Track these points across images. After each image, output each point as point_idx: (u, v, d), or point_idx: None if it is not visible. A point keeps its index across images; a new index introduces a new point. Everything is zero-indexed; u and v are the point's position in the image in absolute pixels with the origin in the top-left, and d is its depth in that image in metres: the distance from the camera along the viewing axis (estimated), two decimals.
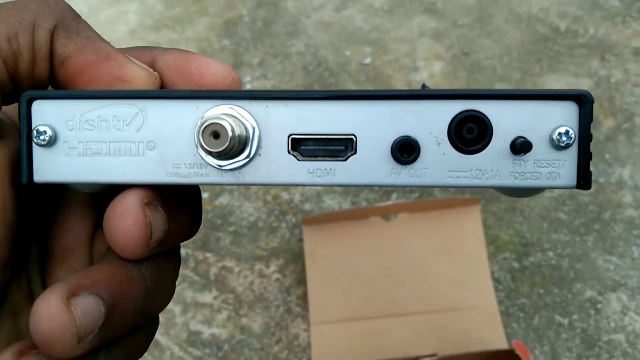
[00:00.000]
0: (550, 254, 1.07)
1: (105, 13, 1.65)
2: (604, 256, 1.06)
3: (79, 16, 0.26)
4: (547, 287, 1.03)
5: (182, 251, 1.10)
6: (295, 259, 1.08)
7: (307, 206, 1.15)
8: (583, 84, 1.31)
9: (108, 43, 0.26)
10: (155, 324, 0.28)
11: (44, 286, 0.28)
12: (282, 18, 1.55)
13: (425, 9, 1.52)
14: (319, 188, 1.16)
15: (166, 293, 0.27)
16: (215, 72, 0.26)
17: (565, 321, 0.99)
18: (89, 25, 0.26)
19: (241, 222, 1.14)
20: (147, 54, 0.27)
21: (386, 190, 1.16)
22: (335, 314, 0.98)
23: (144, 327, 0.27)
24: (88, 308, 0.22)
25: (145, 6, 1.65)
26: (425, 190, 1.15)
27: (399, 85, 1.36)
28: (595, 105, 1.34)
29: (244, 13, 1.58)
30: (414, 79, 1.37)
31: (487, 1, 1.52)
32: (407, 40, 1.45)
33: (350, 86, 1.37)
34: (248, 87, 1.39)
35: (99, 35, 0.26)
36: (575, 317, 1.00)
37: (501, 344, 0.93)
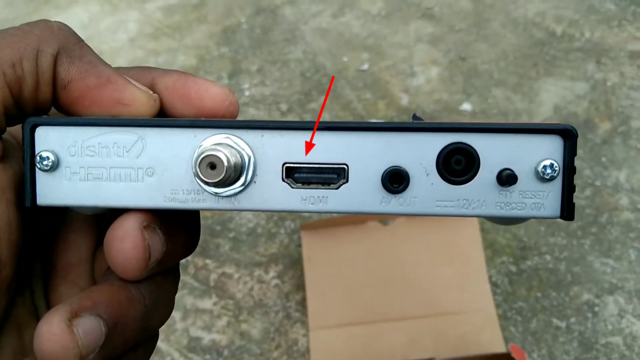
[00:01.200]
0: (548, 257, 1.07)
1: (106, 22, 1.66)
2: (601, 259, 1.06)
3: (82, 41, 0.26)
4: (545, 290, 1.04)
5: None
6: (294, 265, 1.09)
7: None
8: (579, 88, 1.32)
9: (109, 66, 0.26)
10: (154, 339, 0.29)
11: (47, 301, 0.29)
12: (280, 25, 1.57)
13: (422, 15, 1.53)
14: None
15: (165, 310, 0.28)
16: (214, 95, 0.27)
17: (563, 324, 1.00)
18: (91, 50, 0.26)
19: (240, 228, 1.15)
20: (146, 76, 0.28)
21: None
22: (333, 319, 0.98)
23: (143, 343, 0.27)
24: (89, 328, 0.23)
25: (145, 15, 1.66)
26: None
27: (396, 90, 1.37)
28: (592, 109, 1.36)
29: (243, 20, 1.60)
30: (411, 84, 1.38)
31: (483, 6, 1.53)
32: (404, 45, 1.46)
33: (348, 92, 1.38)
34: (247, 94, 1.41)
35: (101, 59, 0.26)
36: (572, 320, 1.00)
37: (499, 347, 0.94)
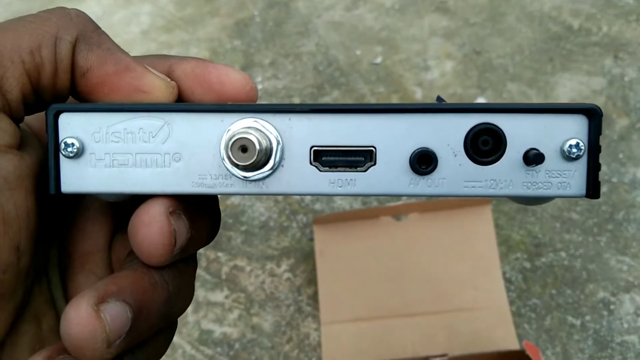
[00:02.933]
0: (563, 254, 1.06)
1: (119, 15, 1.66)
2: (617, 257, 1.05)
3: (99, 28, 0.26)
4: (560, 287, 1.02)
5: None
6: (306, 259, 1.09)
7: (317, 206, 1.16)
8: (596, 83, 1.30)
9: (127, 54, 0.26)
10: (174, 327, 0.29)
11: (65, 290, 0.29)
12: (293, 18, 1.56)
13: (437, 8, 1.51)
14: None
15: (186, 297, 0.28)
16: (234, 80, 0.27)
17: (578, 322, 0.99)
18: (109, 37, 0.26)
19: (252, 221, 1.15)
20: (164, 63, 0.28)
21: None
22: (345, 314, 0.98)
23: (164, 330, 0.27)
24: (116, 314, 0.23)
25: (158, 7, 1.66)
26: None
27: (410, 84, 1.36)
28: (609, 104, 1.34)
29: (255, 13, 1.59)
30: (425, 78, 1.36)
31: (498, 0, 1.51)
32: (418, 39, 1.45)
33: (361, 86, 1.37)
34: (259, 87, 1.40)
35: (119, 47, 0.26)
36: (587, 318, 0.99)
37: (512, 344, 0.93)
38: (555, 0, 1.48)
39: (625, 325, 0.97)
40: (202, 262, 1.11)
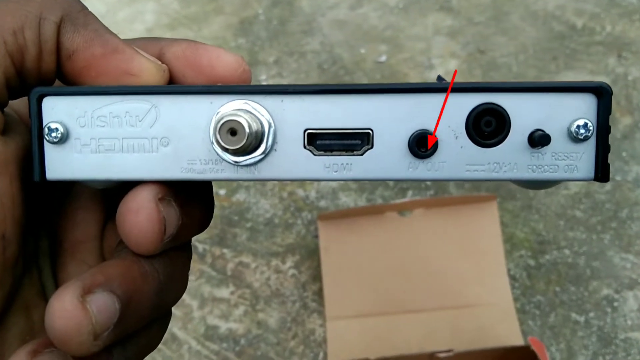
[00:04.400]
0: (567, 251, 1.06)
1: (123, 13, 1.67)
2: (620, 254, 1.05)
3: (86, 8, 0.25)
4: (563, 284, 1.03)
5: (200, 247, 1.12)
6: (310, 255, 1.09)
7: (322, 203, 1.16)
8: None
9: (115, 36, 0.25)
10: (168, 316, 0.28)
11: (56, 280, 0.28)
12: (298, 17, 1.56)
13: (441, 7, 1.52)
14: (334, 184, 1.17)
15: (179, 286, 0.27)
16: (226, 62, 0.26)
17: (582, 319, 0.99)
18: (96, 18, 0.25)
19: (257, 218, 1.15)
20: (154, 46, 0.26)
21: (402, 187, 1.17)
22: (350, 310, 0.98)
23: (157, 320, 0.26)
24: (103, 305, 0.22)
25: (162, 5, 1.67)
26: (441, 187, 1.15)
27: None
28: (613, 103, 1.33)
29: (260, 12, 1.59)
30: (430, 76, 1.37)
31: None
32: (422, 38, 1.45)
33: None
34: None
35: (106, 28, 0.25)
36: (591, 314, 0.99)
37: (516, 341, 0.93)
38: None
39: (629, 322, 0.98)
40: (207, 259, 1.11)
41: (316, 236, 1.08)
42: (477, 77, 1.35)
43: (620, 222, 1.09)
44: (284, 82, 1.41)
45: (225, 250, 1.12)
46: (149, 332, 0.26)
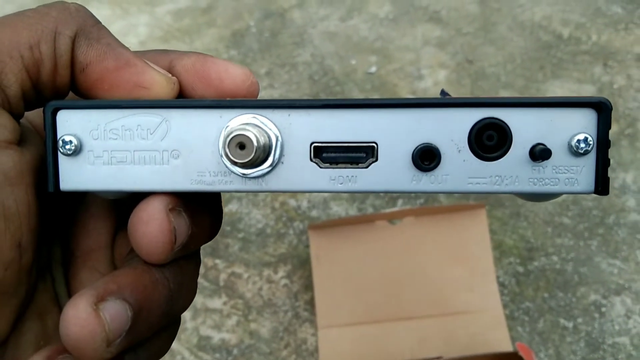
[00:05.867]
0: (555, 258, 1.08)
1: (116, 25, 1.68)
2: (607, 260, 1.07)
3: (99, 22, 0.26)
4: (552, 291, 1.04)
5: None
6: (302, 265, 1.10)
7: (314, 213, 1.17)
8: (586, 91, 1.32)
9: (127, 49, 0.26)
10: (177, 324, 0.29)
11: (68, 288, 0.29)
12: (289, 29, 1.58)
13: (430, 18, 1.54)
14: (325, 194, 1.19)
15: (188, 294, 0.28)
16: (234, 75, 0.26)
17: (570, 325, 1.00)
18: (109, 32, 0.26)
19: (250, 228, 1.16)
20: (164, 58, 0.27)
21: (392, 196, 1.18)
22: (342, 318, 0.99)
23: (167, 328, 0.27)
24: (116, 313, 0.22)
25: (155, 18, 1.68)
26: (431, 196, 1.17)
27: (404, 93, 1.38)
28: None
29: (252, 24, 1.61)
30: (419, 87, 1.39)
31: (490, 10, 1.54)
32: (412, 48, 1.47)
33: (356, 95, 1.39)
34: None
35: (119, 42, 0.26)
36: (579, 320, 1.01)
37: (506, 347, 0.94)
38: (545, 10, 1.51)
39: (617, 327, 0.99)
40: (200, 269, 1.12)
41: (308, 246, 1.09)
42: (466, 87, 1.37)
43: (607, 228, 1.10)
44: (276, 93, 1.42)
45: (217, 261, 1.13)
46: (159, 339, 0.27)
